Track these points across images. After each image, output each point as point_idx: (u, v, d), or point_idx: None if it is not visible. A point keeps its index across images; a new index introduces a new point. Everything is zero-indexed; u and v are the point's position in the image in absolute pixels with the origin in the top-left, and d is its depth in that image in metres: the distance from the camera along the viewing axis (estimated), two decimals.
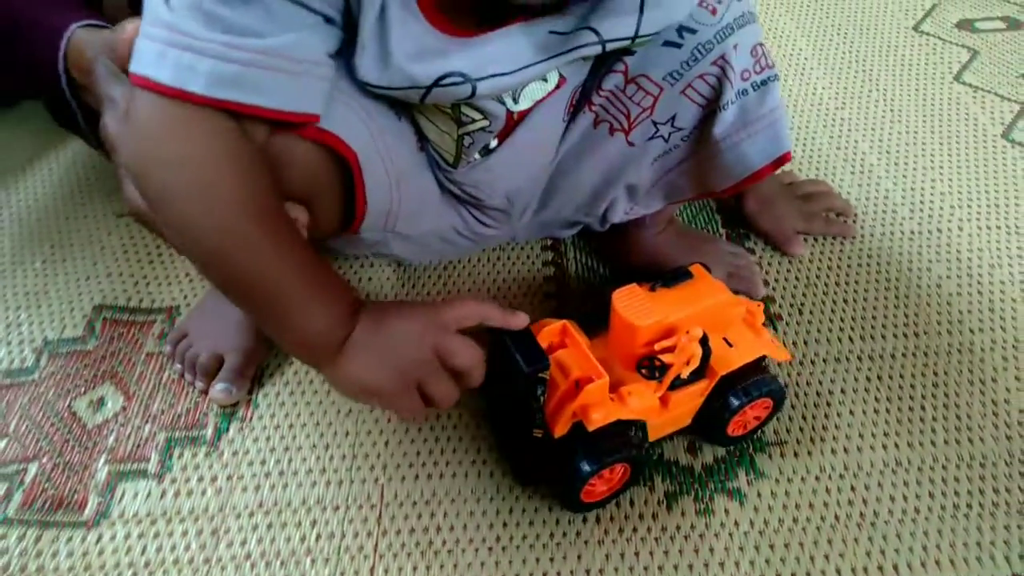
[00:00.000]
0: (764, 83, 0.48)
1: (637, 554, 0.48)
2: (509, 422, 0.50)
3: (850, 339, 0.60)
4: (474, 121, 0.48)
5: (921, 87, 0.82)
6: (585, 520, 0.49)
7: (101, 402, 0.56)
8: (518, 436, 0.48)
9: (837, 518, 0.49)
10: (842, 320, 0.61)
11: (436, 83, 0.43)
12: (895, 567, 0.47)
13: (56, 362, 0.59)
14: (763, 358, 0.51)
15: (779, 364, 0.57)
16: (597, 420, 0.46)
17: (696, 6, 0.46)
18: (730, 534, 0.49)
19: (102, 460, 0.53)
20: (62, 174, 0.76)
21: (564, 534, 0.49)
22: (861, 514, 0.49)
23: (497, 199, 0.54)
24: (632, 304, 0.48)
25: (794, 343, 0.59)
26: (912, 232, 0.67)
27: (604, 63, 0.49)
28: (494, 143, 0.50)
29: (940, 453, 0.52)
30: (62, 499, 0.51)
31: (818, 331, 0.60)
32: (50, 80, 0.53)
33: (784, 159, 0.49)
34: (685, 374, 0.47)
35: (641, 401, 0.47)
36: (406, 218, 0.52)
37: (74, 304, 0.63)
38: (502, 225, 0.58)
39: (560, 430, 0.46)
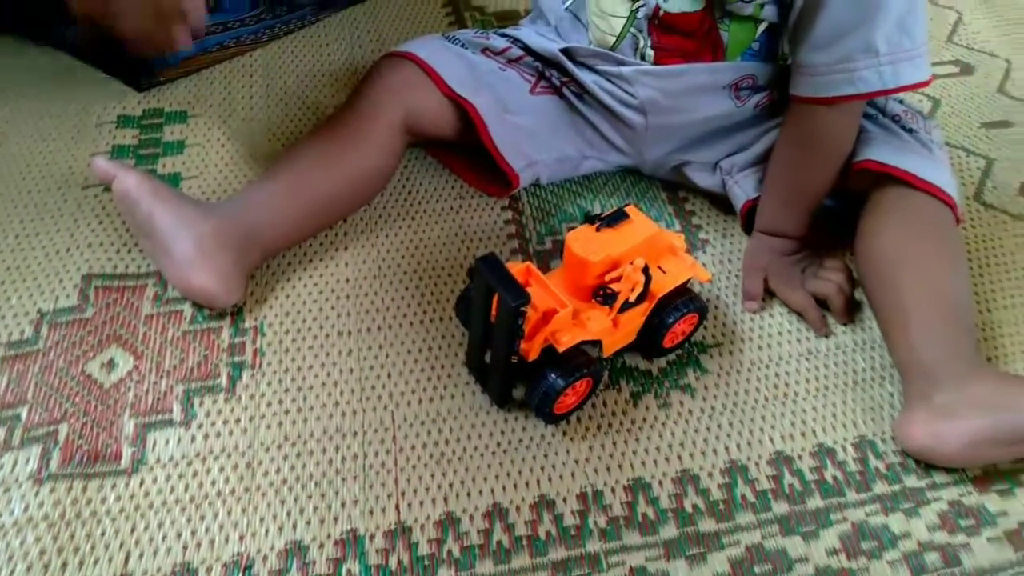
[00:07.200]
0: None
1: (615, 443, 0.58)
2: (485, 353, 0.58)
3: None
4: None
5: None
6: (568, 422, 0.59)
7: (112, 363, 0.60)
8: (496, 364, 0.57)
9: (766, 399, 0.61)
10: None
11: None
12: (813, 431, 0.59)
13: (58, 331, 0.62)
14: (688, 280, 0.61)
15: (712, 281, 0.68)
16: (566, 342, 0.55)
17: None
18: (686, 420, 0.60)
19: (127, 415, 0.57)
20: (14, 149, 0.76)
21: (552, 434, 0.58)
22: (784, 394, 0.61)
23: (632, 106, 0.69)
24: (584, 243, 0.57)
25: (722, 262, 0.70)
26: None
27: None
28: (650, 53, 0.67)
29: (842, 341, 0.65)
30: (98, 453, 0.55)
31: (739, 251, 0.71)
32: None
33: None
34: (632, 298, 0.57)
35: (598, 324, 0.57)
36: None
37: (61, 275, 0.66)
38: (631, 146, 0.73)
39: (533, 354, 0.55)
